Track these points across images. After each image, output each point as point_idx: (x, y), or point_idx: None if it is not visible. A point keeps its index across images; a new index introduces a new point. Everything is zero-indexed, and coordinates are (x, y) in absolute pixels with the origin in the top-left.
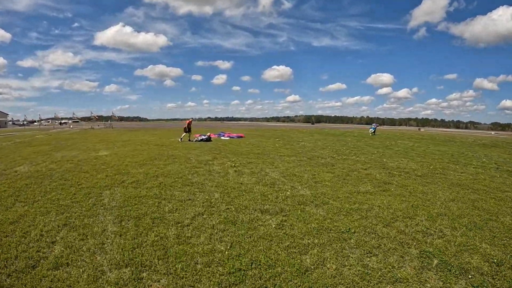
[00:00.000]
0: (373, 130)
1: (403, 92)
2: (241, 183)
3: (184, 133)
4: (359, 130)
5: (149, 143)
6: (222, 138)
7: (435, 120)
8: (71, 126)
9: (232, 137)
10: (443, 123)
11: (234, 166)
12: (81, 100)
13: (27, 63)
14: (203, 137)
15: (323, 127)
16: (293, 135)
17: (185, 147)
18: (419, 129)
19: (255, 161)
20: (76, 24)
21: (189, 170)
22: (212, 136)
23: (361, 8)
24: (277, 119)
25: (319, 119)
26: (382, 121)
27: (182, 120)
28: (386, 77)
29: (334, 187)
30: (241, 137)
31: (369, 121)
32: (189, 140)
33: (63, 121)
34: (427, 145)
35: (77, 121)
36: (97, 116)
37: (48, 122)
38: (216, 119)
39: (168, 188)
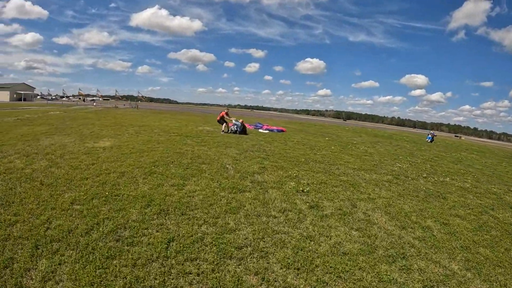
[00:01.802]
0: (430, 139)
1: (436, 96)
2: (344, 253)
3: (224, 124)
4: (402, 132)
5: (170, 131)
6: (260, 130)
7: (468, 127)
8: (94, 104)
9: (272, 131)
10: (475, 132)
11: (302, 190)
12: (113, 79)
13: (62, 40)
14: (236, 127)
15: (363, 126)
16: (339, 133)
17: (216, 142)
18: (460, 137)
19: (327, 179)
20: (112, 5)
21: (227, 196)
22: (248, 126)
23: (400, 5)
24: (307, 112)
25: (350, 115)
26: (413, 124)
27: (211, 105)
28: (420, 79)
29: (503, 263)
30: (282, 131)
31: (399, 122)
32: (222, 131)
33: (89, 99)
34: (499, 162)
35: (108, 99)
36: (120, 95)
37: (79, 98)
38: (246, 107)
39: (186, 269)
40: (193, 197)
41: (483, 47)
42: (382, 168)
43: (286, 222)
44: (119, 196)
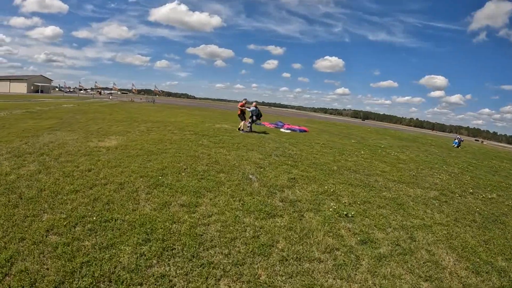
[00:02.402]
0: (456, 144)
1: (455, 98)
2: None
3: (243, 122)
4: (425, 135)
5: (185, 128)
6: (282, 130)
7: (487, 131)
8: (110, 97)
9: (294, 130)
10: (494, 136)
11: (346, 214)
12: (132, 73)
13: (82, 34)
14: (251, 112)
15: (382, 126)
16: (362, 134)
17: (236, 143)
18: (482, 141)
19: (370, 197)
20: None
21: (253, 224)
22: (268, 125)
23: (421, 4)
24: (324, 110)
25: (367, 115)
26: (432, 126)
27: (229, 101)
28: (440, 80)
29: None
30: (305, 131)
31: (418, 123)
32: (240, 130)
33: (106, 92)
34: None
35: (126, 93)
36: (137, 89)
37: (97, 91)
38: (264, 103)
39: None
40: (208, 225)
41: (504, 49)
42: (423, 181)
43: (336, 271)
44: (110, 222)
